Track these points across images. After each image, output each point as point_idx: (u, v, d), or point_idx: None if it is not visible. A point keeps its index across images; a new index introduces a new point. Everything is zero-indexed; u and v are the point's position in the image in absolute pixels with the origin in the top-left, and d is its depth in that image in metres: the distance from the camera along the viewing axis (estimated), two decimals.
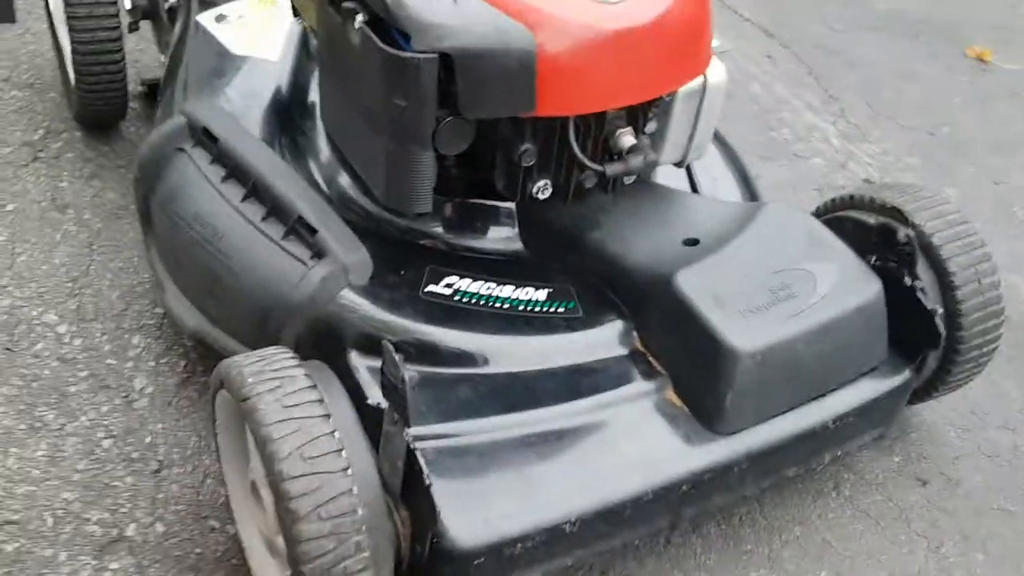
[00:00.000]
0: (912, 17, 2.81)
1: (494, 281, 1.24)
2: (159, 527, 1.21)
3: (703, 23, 1.18)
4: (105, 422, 1.34)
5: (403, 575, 1.02)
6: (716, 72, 1.27)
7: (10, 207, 1.72)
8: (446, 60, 1.04)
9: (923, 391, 1.35)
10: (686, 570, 1.23)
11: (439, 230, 1.33)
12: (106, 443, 1.31)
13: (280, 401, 0.93)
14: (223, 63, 1.49)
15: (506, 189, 1.29)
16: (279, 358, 0.99)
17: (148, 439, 1.33)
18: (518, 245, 1.35)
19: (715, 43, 1.25)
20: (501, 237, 1.36)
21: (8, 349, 1.45)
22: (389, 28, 1.06)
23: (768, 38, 2.60)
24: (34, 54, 2.16)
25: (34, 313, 1.51)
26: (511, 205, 1.33)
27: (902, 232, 1.24)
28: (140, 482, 1.27)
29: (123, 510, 1.23)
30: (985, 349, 1.30)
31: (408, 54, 1.03)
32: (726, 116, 2.17)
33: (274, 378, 0.95)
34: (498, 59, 1.04)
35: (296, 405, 0.93)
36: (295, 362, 0.99)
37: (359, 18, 1.08)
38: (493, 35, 1.04)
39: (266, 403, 0.92)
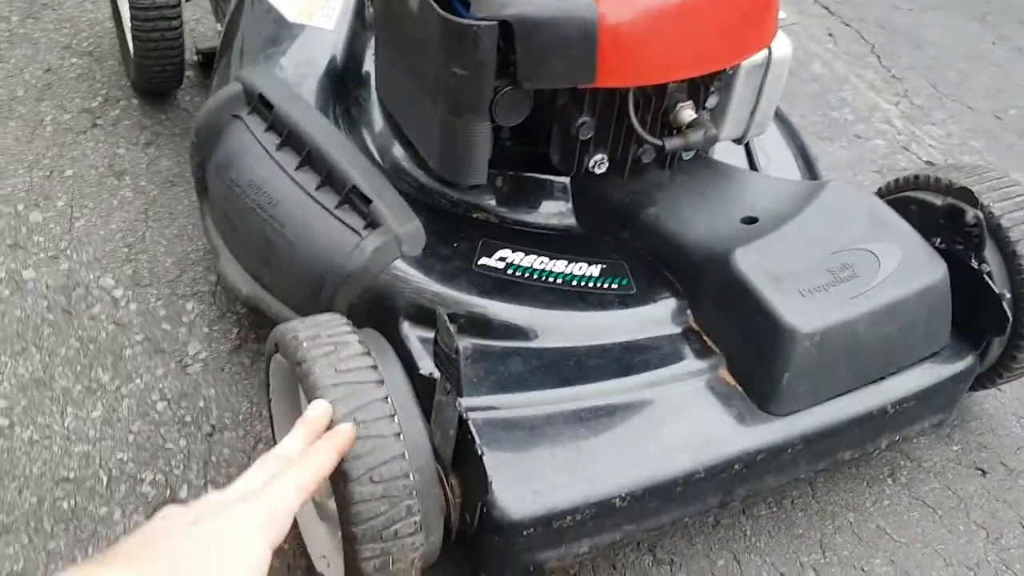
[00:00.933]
0: None
1: (547, 255, 1.23)
2: (210, 489, 1.23)
3: None
4: (159, 385, 1.37)
5: (451, 544, 1.02)
6: (781, 46, 1.23)
7: (69, 172, 1.75)
8: (506, 28, 1.02)
9: (986, 378, 1.31)
10: (735, 551, 1.21)
11: (492, 203, 1.32)
12: (160, 406, 1.34)
13: (334, 365, 0.93)
14: (279, 31, 1.49)
15: (562, 163, 1.27)
16: (334, 324, 0.99)
17: (201, 403, 1.34)
18: (571, 220, 1.34)
19: (781, 15, 1.21)
20: (555, 212, 1.34)
21: (66, 311, 1.48)
22: None
23: (830, 15, 2.53)
24: (93, 22, 2.19)
25: (91, 277, 1.54)
26: (565, 179, 1.32)
27: (970, 213, 1.20)
28: (193, 445, 1.29)
29: (176, 472, 1.25)
30: None
31: (468, 21, 1.01)
32: (786, 94, 2.13)
33: (329, 343, 0.95)
34: (559, 28, 1.03)
35: (350, 370, 0.93)
36: (349, 328, 0.99)
37: None
38: (554, 3, 1.02)
39: (321, 367, 0.93)
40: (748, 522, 1.25)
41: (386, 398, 0.92)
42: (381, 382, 0.93)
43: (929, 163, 1.99)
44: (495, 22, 1.01)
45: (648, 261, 1.25)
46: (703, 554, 1.21)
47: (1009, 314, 1.20)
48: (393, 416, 0.92)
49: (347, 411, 0.90)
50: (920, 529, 1.26)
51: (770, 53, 1.22)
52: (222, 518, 0.69)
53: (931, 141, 2.06)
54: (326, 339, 0.96)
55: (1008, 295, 1.20)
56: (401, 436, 0.92)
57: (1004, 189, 1.25)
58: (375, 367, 0.94)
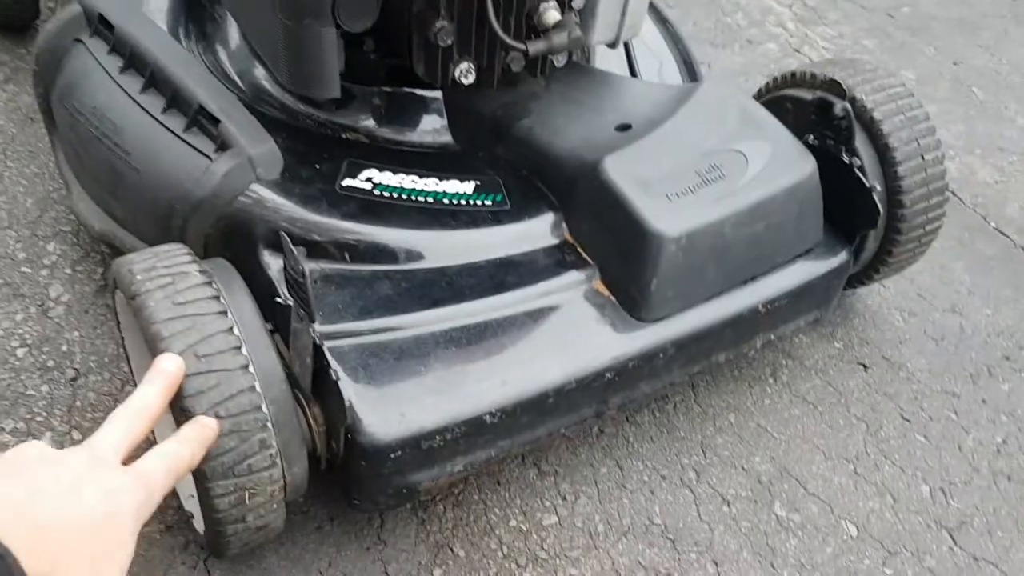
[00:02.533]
0: None
1: (417, 174, 1.18)
2: (76, 435, 1.18)
3: None
4: (19, 331, 1.29)
5: (322, 473, 1.00)
6: None
7: None
8: None
9: (864, 274, 1.32)
10: (618, 458, 1.22)
11: (364, 122, 1.27)
12: (20, 352, 1.27)
13: (171, 298, 0.88)
14: None
15: (426, 74, 1.21)
16: (172, 254, 0.93)
17: (64, 347, 1.28)
18: (447, 137, 1.29)
19: None
20: (429, 129, 1.29)
21: None
22: None
23: None
24: None
25: None
26: (439, 94, 1.26)
27: (839, 105, 1.18)
28: (56, 391, 1.23)
29: (39, 419, 1.19)
30: (928, 228, 1.26)
31: None
32: (679, 1, 2.10)
33: (166, 274, 0.90)
34: None
35: (189, 302, 0.88)
36: (189, 258, 0.93)
37: None
38: None
39: (156, 300, 0.87)
40: (631, 429, 1.25)
41: (231, 329, 0.88)
42: (224, 313, 0.89)
43: None
44: None
45: (523, 175, 1.22)
46: (586, 463, 1.21)
47: (880, 207, 1.20)
48: (239, 348, 0.87)
49: (185, 345, 0.85)
50: (800, 426, 1.28)
51: None
52: (96, 489, 0.64)
53: (823, 42, 2.05)
54: (162, 271, 0.90)
55: (879, 188, 1.20)
56: (250, 368, 0.88)
57: (877, 81, 1.23)
58: (217, 298, 0.89)
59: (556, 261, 1.14)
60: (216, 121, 1.11)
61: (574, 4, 1.20)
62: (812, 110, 1.22)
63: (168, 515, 1.10)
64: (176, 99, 1.14)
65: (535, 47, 1.15)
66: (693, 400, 1.30)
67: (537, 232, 1.15)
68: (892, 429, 1.29)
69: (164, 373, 0.81)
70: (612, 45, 1.30)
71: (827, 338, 1.40)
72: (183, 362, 0.83)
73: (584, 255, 1.14)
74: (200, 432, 0.82)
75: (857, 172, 1.18)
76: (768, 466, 1.23)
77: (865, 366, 1.37)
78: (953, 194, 1.68)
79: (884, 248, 1.26)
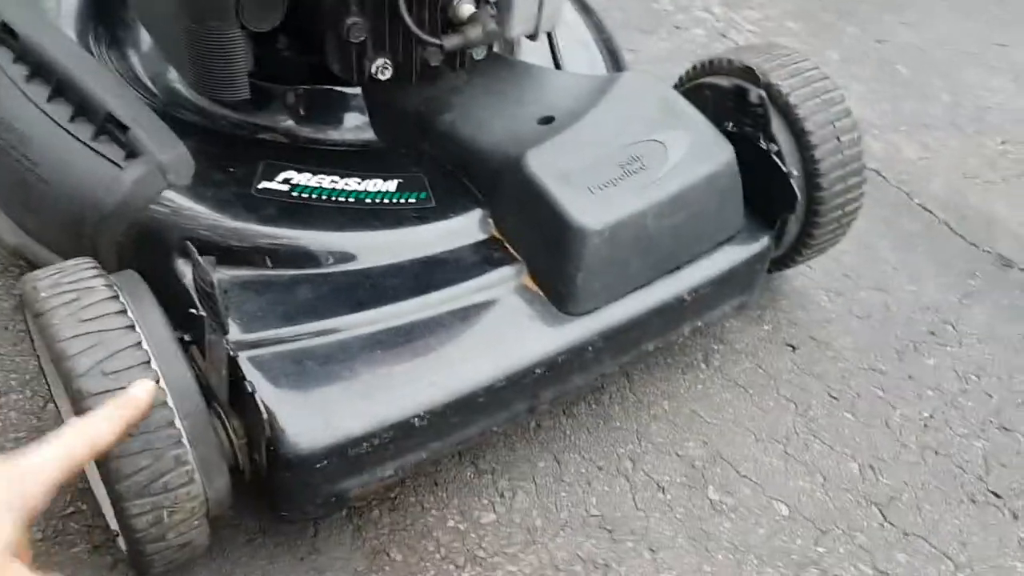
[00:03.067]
0: None
1: (338, 174, 1.16)
2: None
3: None
4: None
5: (249, 485, 0.98)
6: None
7: None
8: None
9: (788, 257, 1.34)
10: (555, 451, 1.22)
11: (280, 122, 1.24)
12: None
13: (76, 315, 0.85)
14: None
15: (342, 71, 1.19)
16: (79, 268, 0.91)
17: None
18: (370, 134, 1.28)
19: None
20: (350, 126, 1.28)
21: None
22: None
23: None
24: None
25: None
26: (359, 91, 1.25)
27: (754, 92, 1.19)
28: None
29: None
30: (847, 209, 1.28)
31: None
32: None
33: (71, 290, 0.87)
34: None
35: (95, 318, 0.85)
36: (95, 272, 0.91)
37: None
38: None
39: (60, 317, 0.85)
40: (568, 421, 1.25)
41: (139, 344, 0.86)
42: (132, 327, 0.86)
43: None
44: None
45: (448, 171, 1.20)
46: (524, 458, 1.21)
47: (798, 192, 1.21)
48: (148, 363, 0.85)
49: (92, 362, 0.83)
50: (732, 409, 1.29)
51: None
52: None
53: (749, 26, 2.07)
54: (67, 286, 0.88)
55: (796, 173, 1.21)
56: (161, 383, 0.86)
57: (792, 66, 1.24)
58: (124, 312, 0.87)
59: (483, 258, 1.13)
60: (125, 128, 1.08)
61: None
62: (729, 97, 1.23)
63: (95, 534, 1.07)
64: (84, 107, 1.11)
65: (451, 41, 1.14)
66: (628, 389, 1.30)
67: (463, 229, 1.15)
68: (820, 408, 1.31)
69: (127, 405, 0.77)
70: (532, 37, 1.29)
71: (756, 321, 1.42)
72: (153, 389, 0.80)
73: (511, 250, 1.13)
74: (121, 407, 0.77)
75: (774, 158, 1.19)
76: (701, 451, 1.24)
77: (793, 347, 1.39)
78: (877, 173, 1.71)
79: (805, 231, 1.27)
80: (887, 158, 1.76)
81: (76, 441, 0.71)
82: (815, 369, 1.36)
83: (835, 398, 1.33)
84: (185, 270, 1.04)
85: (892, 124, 1.85)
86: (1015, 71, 2.03)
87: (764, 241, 1.22)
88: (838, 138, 1.22)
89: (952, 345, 1.42)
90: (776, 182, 1.21)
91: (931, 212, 1.65)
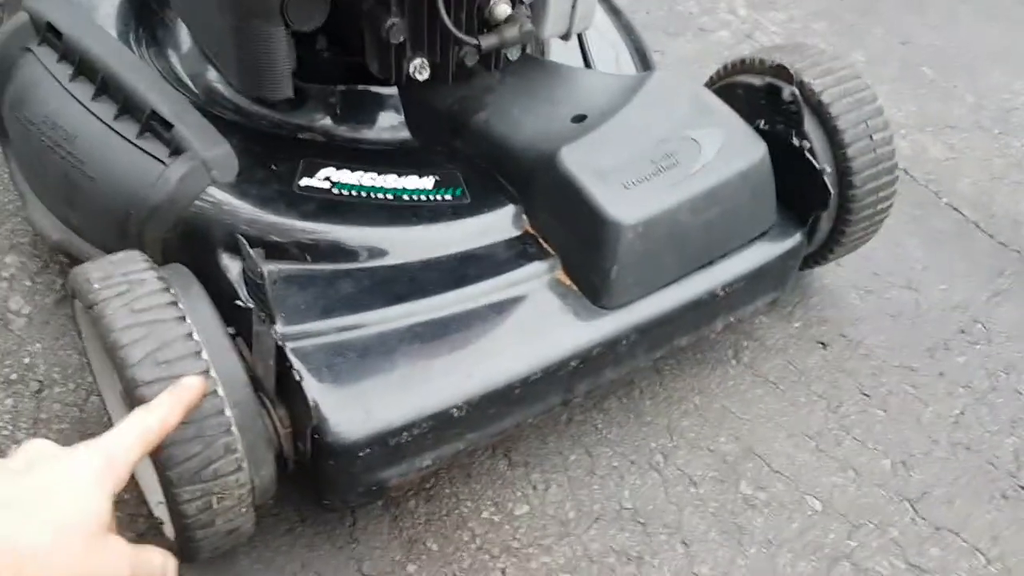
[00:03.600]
0: None
1: (376, 171, 1.18)
2: None
3: None
4: None
5: (291, 475, 1.00)
6: None
7: None
8: None
9: (820, 254, 1.35)
10: (587, 445, 1.23)
11: (320, 122, 1.27)
12: None
13: (129, 306, 0.87)
14: None
15: (380, 71, 1.21)
16: (129, 261, 0.93)
17: (27, 360, 1.27)
18: (405, 133, 1.30)
19: None
20: (386, 125, 1.29)
21: None
22: None
23: None
24: None
25: None
26: (395, 91, 1.27)
27: (787, 90, 1.20)
28: (20, 404, 1.21)
29: (4, 433, 1.18)
30: (879, 207, 1.29)
31: None
32: None
33: (123, 282, 0.90)
34: None
35: (147, 309, 0.88)
36: (146, 265, 0.93)
37: None
38: None
39: (113, 308, 0.87)
40: (599, 416, 1.27)
41: (190, 335, 0.88)
42: (183, 318, 0.89)
43: None
44: None
45: (483, 168, 1.22)
46: (556, 452, 1.22)
47: (831, 188, 1.22)
48: (199, 353, 0.87)
49: (144, 352, 0.85)
50: (763, 405, 1.30)
51: None
52: (53, 465, 0.66)
53: (774, 27, 2.07)
54: (119, 278, 0.90)
55: (829, 169, 1.22)
56: (211, 372, 0.88)
57: (825, 65, 1.25)
58: (175, 303, 0.89)
59: (518, 253, 1.14)
60: (169, 126, 1.10)
61: None
62: (762, 96, 1.24)
63: (139, 523, 1.10)
64: (128, 105, 1.13)
65: (487, 41, 1.16)
66: (659, 385, 1.31)
67: (498, 225, 1.16)
68: (852, 405, 1.32)
69: (186, 388, 0.82)
70: (565, 37, 1.31)
71: (786, 318, 1.43)
72: (204, 382, 0.84)
73: (545, 246, 1.15)
74: (180, 392, 0.81)
75: (807, 155, 1.20)
76: (733, 446, 1.25)
77: (824, 344, 1.40)
78: (905, 172, 1.72)
79: (837, 228, 1.28)
80: (914, 157, 1.76)
81: (150, 421, 0.76)
82: (846, 366, 1.37)
83: (866, 395, 1.33)
84: (230, 264, 1.07)
85: (918, 124, 1.86)
86: None
87: (797, 237, 1.23)
88: (870, 136, 1.23)
89: (982, 343, 1.42)
90: (809, 179, 1.22)
91: (959, 211, 1.65)
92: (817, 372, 1.36)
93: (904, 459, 1.25)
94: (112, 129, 1.13)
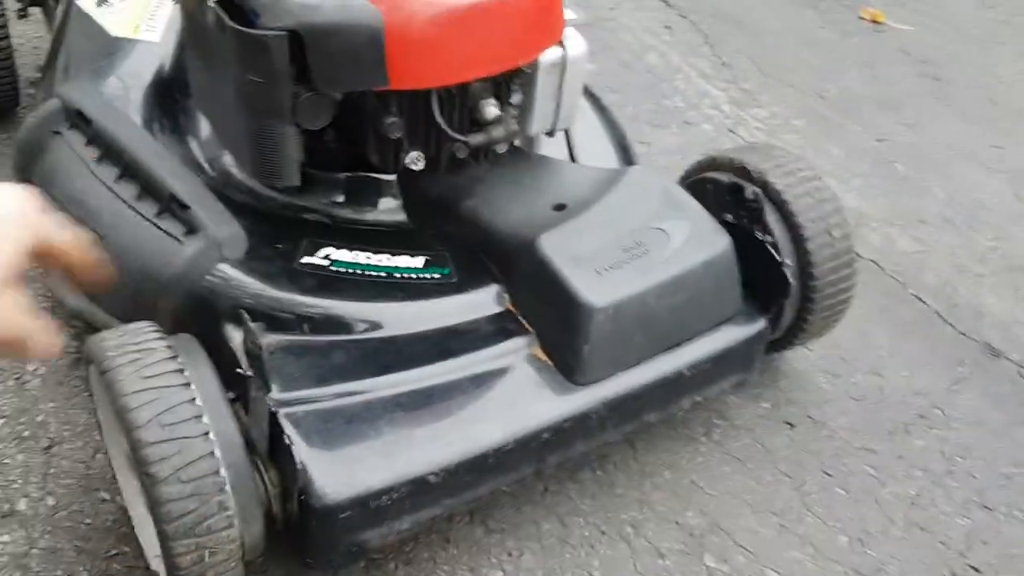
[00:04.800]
0: None
1: (371, 250, 1.29)
2: (50, 500, 1.25)
3: None
4: None
5: (279, 533, 1.08)
6: (576, 45, 1.31)
7: None
8: (297, 37, 1.07)
9: (786, 339, 1.43)
10: (560, 515, 1.30)
11: (323, 204, 1.37)
12: None
13: (139, 372, 0.97)
14: (103, 46, 1.50)
15: (380, 162, 1.33)
16: (142, 331, 1.03)
17: (40, 418, 1.35)
18: (401, 216, 1.40)
19: (571, 15, 1.30)
20: (385, 209, 1.40)
21: None
22: (241, 6, 1.09)
23: (667, 8, 2.66)
24: None
25: None
26: (393, 178, 1.38)
27: (749, 189, 1.31)
28: (31, 459, 1.30)
29: (14, 486, 1.26)
30: (840, 298, 1.38)
31: (257, 31, 1.06)
32: (620, 86, 2.26)
33: (135, 350, 0.99)
34: (345, 35, 1.08)
35: (155, 375, 0.97)
36: (157, 335, 1.02)
37: None
38: (340, 12, 1.08)
39: (125, 374, 0.96)
40: (573, 486, 1.34)
41: (193, 400, 0.97)
42: (188, 385, 0.98)
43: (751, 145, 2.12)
44: (284, 32, 1.06)
45: (470, 250, 1.32)
46: (530, 520, 1.29)
47: (791, 279, 1.32)
48: (200, 417, 0.96)
49: (152, 415, 0.94)
50: (731, 482, 1.37)
51: (565, 52, 1.30)
52: None
53: (756, 123, 2.20)
54: (131, 347, 0.99)
55: (790, 263, 1.32)
56: (209, 435, 0.96)
57: (788, 166, 1.37)
58: (181, 370, 0.98)
59: (498, 329, 1.24)
60: (186, 207, 1.21)
61: (512, 100, 1.33)
62: (727, 192, 1.35)
63: (136, 575, 1.17)
64: (149, 187, 1.25)
65: (476, 139, 1.28)
66: (632, 458, 1.39)
67: (481, 302, 1.26)
68: (815, 484, 1.39)
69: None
70: (549, 134, 1.42)
71: (756, 399, 1.51)
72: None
73: (524, 323, 1.24)
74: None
75: (769, 248, 1.30)
76: (700, 520, 1.31)
77: (791, 424, 1.48)
78: (875, 263, 1.81)
79: (800, 316, 1.37)
80: (883, 249, 1.87)
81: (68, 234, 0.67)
82: (811, 446, 1.44)
83: (829, 475, 1.40)
84: (233, 335, 1.16)
85: (888, 218, 1.96)
86: (1009, 172, 2.15)
87: (760, 323, 1.32)
88: (830, 232, 1.33)
89: (940, 428, 1.50)
90: (771, 270, 1.32)
91: (924, 302, 1.75)
92: (783, 451, 1.43)
93: (861, 536, 1.31)
94: (133, 208, 1.24)
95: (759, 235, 1.32)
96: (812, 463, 1.42)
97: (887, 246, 1.88)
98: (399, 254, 1.29)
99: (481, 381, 1.18)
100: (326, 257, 1.26)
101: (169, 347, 1.01)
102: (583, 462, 1.36)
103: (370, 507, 1.05)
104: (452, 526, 1.27)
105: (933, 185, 2.08)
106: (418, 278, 1.27)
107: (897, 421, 1.50)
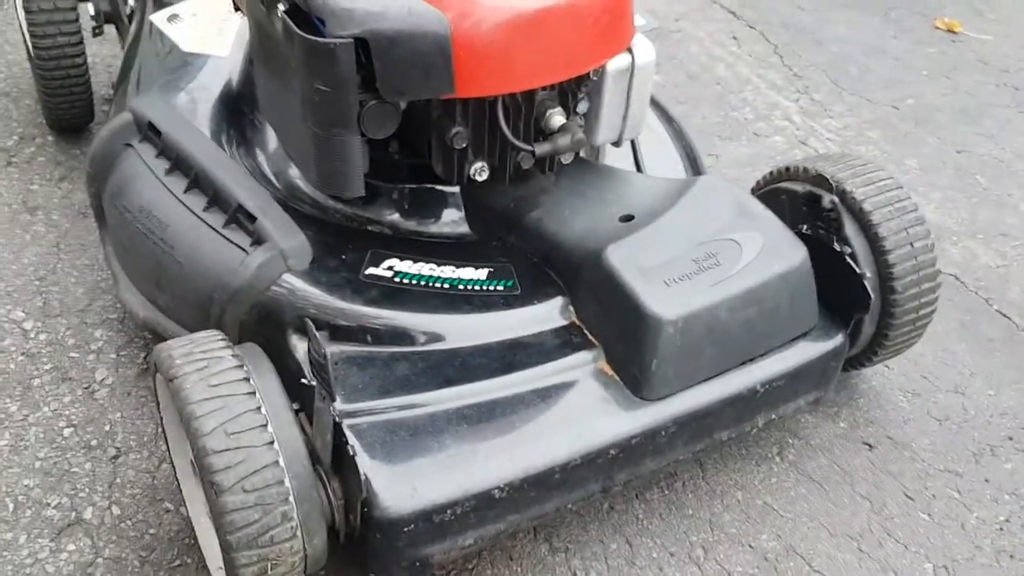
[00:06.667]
0: None
1: (435, 262, 1.27)
2: (115, 510, 1.26)
3: (621, 0, 1.21)
4: (67, 412, 1.39)
5: (341, 546, 1.06)
6: (644, 51, 1.29)
7: None
8: (363, 45, 1.07)
9: (864, 356, 1.37)
10: (628, 535, 1.26)
11: (388, 216, 1.37)
12: (67, 432, 1.36)
13: (206, 380, 0.96)
14: (173, 60, 1.53)
15: (444, 173, 1.31)
16: (209, 340, 1.03)
17: (107, 427, 1.37)
18: (464, 228, 1.39)
19: (640, 21, 1.27)
20: (448, 221, 1.39)
21: None
22: (308, 15, 1.09)
23: (735, 19, 2.61)
24: (11, 63, 2.21)
25: (2, 311, 1.56)
26: (457, 189, 1.37)
27: (826, 198, 1.26)
28: (98, 468, 1.31)
29: (81, 495, 1.27)
30: (921, 312, 1.31)
31: (325, 40, 1.06)
32: (689, 98, 2.22)
33: (201, 359, 0.99)
34: (413, 42, 1.07)
35: (222, 384, 0.96)
36: (223, 343, 1.02)
37: (280, 7, 1.11)
38: (407, 18, 1.07)
39: (192, 382, 0.96)
40: (641, 506, 1.29)
41: (258, 409, 0.96)
42: (253, 393, 0.97)
43: None
44: (350, 39, 1.06)
45: (534, 262, 1.30)
46: (596, 540, 1.25)
47: (871, 293, 1.26)
48: (265, 426, 0.95)
49: (217, 423, 0.93)
50: (806, 504, 1.31)
51: (634, 59, 1.28)
52: None
53: (828, 134, 2.14)
54: (199, 355, 0.99)
55: (870, 275, 1.26)
56: (274, 444, 0.95)
57: (866, 175, 1.31)
58: (247, 379, 0.98)
59: (563, 342, 1.21)
60: (253, 218, 1.22)
61: (578, 109, 1.30)
62: (803, 202, 1.30)
63: None
64: (217, 198, 1.26)
65: (541, 148, 1.25)
66: (701, 478, 1.34)
67: (545, 315, 1.23)
68: (896, 507, 1.32)
69: None
70: (616, 144, 1.40)
71: (832, 418, 1.44)
72: None
73: (590, 337, 1.21)
74: None
75: (848, 259, 1.25)
76: (774, 543, 1.26)
77: (870, 445, 1.41)
78: (955, 278, 1.74)
79: (880, 331, 1.31)
80: (964, 264, 1.78)
81: None
82: (891, 468, 1.38)
83: (911, 498, 1.33)
84: (298, 345, 1.16)
85: (970, 231, 1.88)
86: None
87: (838, 339, 1.26)
88: (911, 244, 1.27)
89: None
90: (850, 283, 1.26)
91: (1009, 318, 1.66)
92: (862, 473, 1.37)
93: (947, 564, 1.24)
94: (201, 219, 1.25)
95: (837, 246, 1.27)
96: (892, 486, 1.35)
97: (969, 260, 1.80)
98: (463, 266, 1.27)
99: (546, 395, 1.15)
100: (390, 269, 1.25)
101: (235, 356, 1.00)
102: (651, 481, 1.31)
103: (434, 521, 1.03)
104: (516, 543, 1.24)
105: (1016, 197, 1.99)
106: (482, 290, 1.25)
107: (983, 442, 1.43)
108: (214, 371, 0.98)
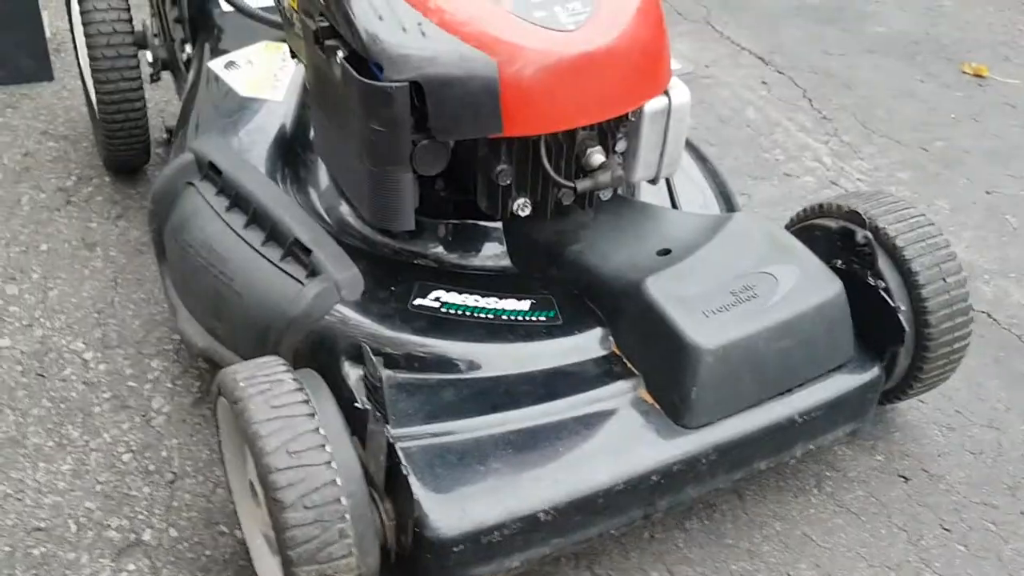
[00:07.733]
0: (909, 38, 2.87)
1: (479, 294, 1.33)
2: (172, 532, 1.30)
3: (658, 45, 1.27)
4: (125, 439, 1.45)
5: (392, 566, 1.10)
6: (680, 93, 1.34)
7: (44, 247, 1.86)
8: (417, 88, 1.14)
9: (900, 390, 1.40)
10: (668, 563, 1.28)
11: (433, 250, 1.43)
12: (126, 457, 1.42)
13: (268, 402, 1.02)
14: (230, 104, 1.61)
15: (488, 208, 1.37)
16: (270, 365, 1.08)
17: (164, 453, 1.42)
18: (506, 261, 1.44)
19: (676, 65, 1.33)
20: (490, 254, 1.44)
21: (39, 375, 1.56)
22: (366, 61, 1.16)
23: (764, 65, 2.68)
24: (69, 108, 2.33)
25: (63, 342, 1.63)
26: (499, 224, 1.43)
27: (860, 234, 1.30)
28: (156, 492, 1.36)
29: (140, 517, 1.32)
30: (956, 346, 1.34)
31: (382, 83, 1.13)
32: (720, 140, 2.27)
33: (264, 382, 1.04)
34: (464, 85, 1.14)
35: (283, 405, 1.02)
36: (284, 368, 1.08)
37: (340, 54, 1.19)
38: (458, 63, 1.14)
39: (256, 404, 1.01)
40: (680, 534, 1.32)
41: (317, 429, 1.01)
42: (312, 415, 1.02)
43: None
44: (406, 83, 1.13)
45: (575, 294, 1.35)
46: (637, 567, 1.27)
47: (906, 326, 1.29)
48: (324, 446, 1.00)
49: (280, 442, 0.98)
50: (844, 534, 1.33)
51: (670, 101, 1.33)
52: None
53: (859, 175, 2.18)
54: (261, 379, 1.05)
55: (904, 309, 1.29)
56: (332, 464, 1.00)
57: (899, 212, 1.35)
58: (307, 402, 1.03)
59: (604, 371, 1.25)
60: (308, 251, 1.28)
61: (617, 148, 1.36)
62: (837, 238, 1.34)
63: None
64: (274, 233, 1.33)
65: (582, 185, 1.31)
66: (741, 508, 1.36)
67: (586, 345, 1.28)
68: (932, 539, 1.33)
69: None
70: (653, 181, 1.45)
71: (869, 451, 1.46)
72: None
73: (630, 366, 1.25)
74: None
75: (882, 293, 1.28)
76: (813, 573, 1.28)
77: (906, 478, 1.43)
78: (988, 315, 1.76)
79: (915, 365, 1.34)
80: (996, 302, 1.81)
81: None
82: (928, 500, 1.39)
83: (947, 530, 1.35)
84: (350, 371, 1.21)
85: (1001, 270, 1.90)
86: None
87: (875, 371, 1.29)
88: (944, 279, 1.30)
89: None
90: (885, 317, 1.29)
91: None
92: (898, 505, 1.38)
93: None
94: (259, 253, 1.32)
95: (871, 280, 1.30)
96: (929, 517, 1.37)
97: (1001, 298, 1.82)
98: (506, 297, 1.32)
99: (588, 422, 1.19)
100: (437, 299, 1.30)
101: (295, 380, 1.06)
102: (691, 510, 1.34)
103: (482, 542, 1.07)
104: (559, 569, 1.27)
105: None
106: (525, 320, 1.30)
107: (1018, 476, 1.44)
108: (276, 393, 1.03)
